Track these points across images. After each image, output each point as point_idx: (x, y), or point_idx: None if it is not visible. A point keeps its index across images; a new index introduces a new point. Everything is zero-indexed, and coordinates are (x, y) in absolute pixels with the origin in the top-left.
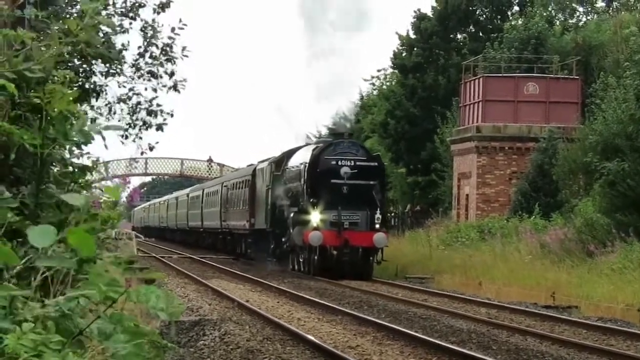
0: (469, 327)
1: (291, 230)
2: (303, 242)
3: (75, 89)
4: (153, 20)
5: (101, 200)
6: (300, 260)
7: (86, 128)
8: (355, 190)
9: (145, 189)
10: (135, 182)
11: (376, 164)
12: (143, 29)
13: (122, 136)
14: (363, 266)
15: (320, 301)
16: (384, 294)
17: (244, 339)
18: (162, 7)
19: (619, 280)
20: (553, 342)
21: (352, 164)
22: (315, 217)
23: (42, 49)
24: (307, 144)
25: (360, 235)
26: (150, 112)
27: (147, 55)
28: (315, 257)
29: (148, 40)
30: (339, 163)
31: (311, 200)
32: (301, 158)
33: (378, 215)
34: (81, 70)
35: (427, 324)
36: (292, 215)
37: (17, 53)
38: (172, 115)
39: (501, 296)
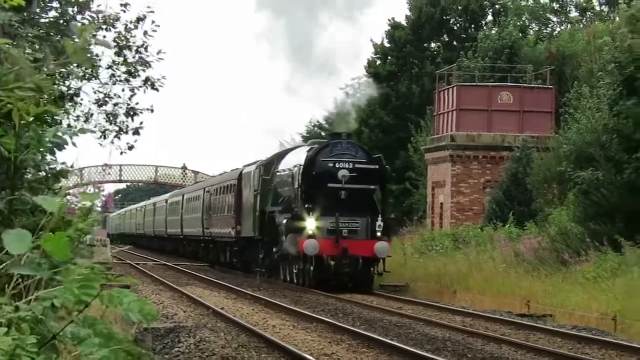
0: (444, 335)
1: (284, 239)
2: (297, 251)
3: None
4: (126, 27)
5: (75, 207)
6: (294, 271)
7: (59, 133)
8: (354, 195)
9: (119, 195)
10: (110, 188)
11: (377, 166)
12: (117, 40)
13: (100, 137)
14: (363, 278)
15: (295, 309)
16: (358, 302)
17: (219, 346)
18: (138, 20)
19: (593, 289)
20: (528, 351)
21: (351, 166)
22: (310, 224)
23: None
24: (299, 146)
25: (360, 243)
26: (129, 111)
27: (121, 59)
28: (311, 268)
29: (122, 45)
30: (337, 165)
31: (306, 205)
32: (294, 160)
33: (379, 222)
34: (57, 72)
35: (402, 332)
36: (284, 222)
37: (8, 71)
38: (152, 111)
39: (476, 304)
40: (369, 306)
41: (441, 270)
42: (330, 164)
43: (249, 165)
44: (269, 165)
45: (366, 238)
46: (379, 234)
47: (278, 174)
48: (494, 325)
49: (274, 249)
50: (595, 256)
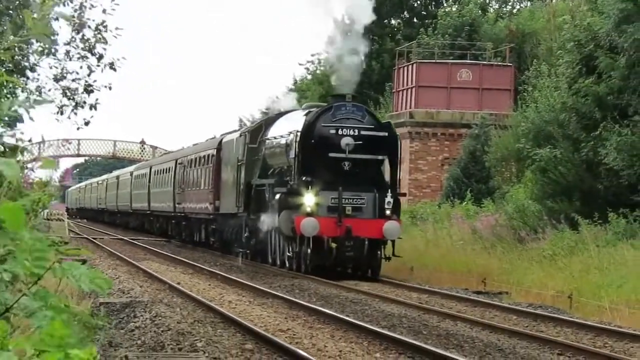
0: (399, 311)
1: (276, 216)
2: (293, 231)
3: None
4: (81, 5)
5: (33, 181)
6: (288, 254)
7: (15, 106)
8: (359, 167)
9: (77, 170)
10: (68, 163)
11: (386, 134)
12: (69, 18)
13: (58, 112)
14: (369, 263)
15: (251, 284)
16: (314, 278)
17: (175, 321)
18: None
19: (550, 266)
20: (483, 328)
21: (356, 133)
22: (309, 199)
23: None
24: (292, 109)
25: (366, 223)
26: (87, 87)
27: (79, 37)
28: (309, 251)
29: (79, 22)
30: (340, 132)
31: (304, 178)
32: (289, 126)
33: (389, 198)
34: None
35: (358, 308)
36: (277, 197)
37: None
38: (110, 89)
39: (432, 281)
40: (326, 282)
41: (398, 246)
42: (332, 131)
43: (228, 133)
44: (256, 132)
45: (373, 217)
46: (388, 212)
47: (268, 142)
48: (450, 302)
49: (262, 228)
50: (552, 234)
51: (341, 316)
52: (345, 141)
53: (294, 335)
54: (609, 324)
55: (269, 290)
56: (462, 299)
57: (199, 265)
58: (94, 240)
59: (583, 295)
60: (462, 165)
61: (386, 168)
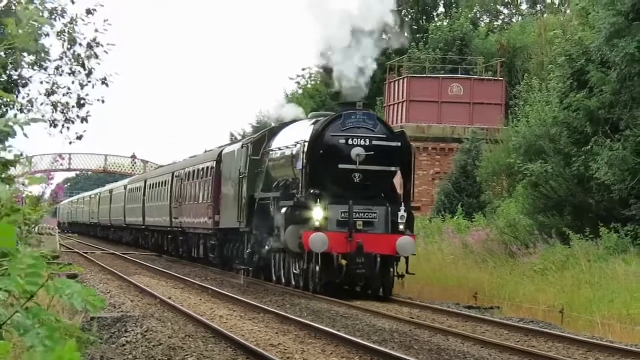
0: (391, 326)
1: (282, 232)
2: (300, 247)
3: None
4: (71, 20)
5: (24, 195)
6: (295, 271)
7: (10, 122)
8: (371, 179)
9: (68, 184)
10: (59, 177)
11: (399, 143)
12: (60, 33)
13: (50, 126)
14: (380, 281)
15: (242, 299)
16: (305, 293)
17: (166, 336)
18: (88, 13)
19: (541, 281)
20: (475, 343)
21: (368, 143)
22: (317, 213)
23: None
24: (296, 119)
25: (378, 239)
26: (79, 100)
27: (70, 52)
28: (317, 268)
29: (69, 38)
30: (350, 142)
31: (311, 191)
32: (294, 136)
33: (402, 212)
34: (9, 60)
35: (349, 323)
36: (283, 210)
37: None
38: (103, 102)
39: (423, 296)
40: (316, 297)
41: None
42: (342, 140)
43: (228, 145)
44: (259, 143)
45: (385, 232)
46: (401, 227)
47: (272, 153)
48: (441, 317)
49: (266, 244)
50: (543, 248)
51: (332, 331)
52: (356, 151)
53: (285, 350)
54: (600, 338)
55: (260, 305)
56: (453, 313)
57: (190, 279)
58: (85, 255)
59: (574, 310)
60: (453, 179)
61: (398, 180)
